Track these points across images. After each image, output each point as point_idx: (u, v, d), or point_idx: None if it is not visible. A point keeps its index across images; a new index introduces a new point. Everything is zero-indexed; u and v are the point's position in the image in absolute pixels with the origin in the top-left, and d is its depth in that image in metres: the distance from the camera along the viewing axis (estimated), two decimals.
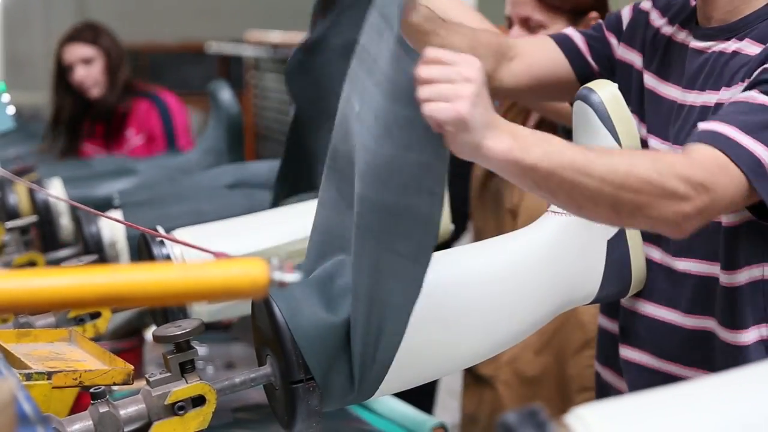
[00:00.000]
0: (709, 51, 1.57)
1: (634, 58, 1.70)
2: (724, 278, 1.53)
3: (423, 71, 1.27)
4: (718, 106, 1.50)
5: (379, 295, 1.35)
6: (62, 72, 3.80)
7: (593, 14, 2.18)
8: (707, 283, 1.55)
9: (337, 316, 1.38)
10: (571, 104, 1.66)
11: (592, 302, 1.58)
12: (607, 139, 1.53)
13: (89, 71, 3.76)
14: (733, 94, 1.48)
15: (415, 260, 1.32)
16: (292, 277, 1.01)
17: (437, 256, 1.46)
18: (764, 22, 1.53)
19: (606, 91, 1.54)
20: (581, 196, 1.31)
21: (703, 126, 1.40)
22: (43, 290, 0.94)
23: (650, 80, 1.67)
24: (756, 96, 1.41)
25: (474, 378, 2.46)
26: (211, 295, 1.03)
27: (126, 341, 2.78)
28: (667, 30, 1.66)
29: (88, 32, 3.85)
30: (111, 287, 0.97)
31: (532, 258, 1.52)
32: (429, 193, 1.30)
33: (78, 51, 3.78)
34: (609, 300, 1.62)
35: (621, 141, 1.53)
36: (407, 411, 2.03)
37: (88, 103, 3.79)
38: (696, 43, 1.60)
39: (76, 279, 0.96)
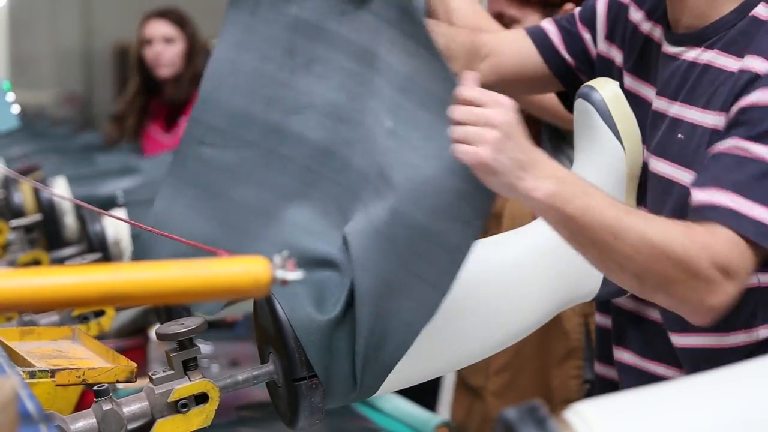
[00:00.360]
0: (681, 58, 1.52)
1: (615, 55, 1.66)
2: None
3: (454, 111, 1.30)
4: (695, 127, 1.46)
5: (387, 305, 1.37)
6: (139, 45, 3.85)
7: (569, 6, 2.14)
8: None
9: (329, 314, 1.38)
10: (567, 101, 1.66)
11: (594, 299, 1.59)
12: (609, 137, 1.54)
13: (167, 50, 3.80)
14: (714, 120, 1.43)
15: (434, 286, 1.34)
16: (294, 275, 1.02)
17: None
18: (732, 30, 1.47)
19: (607, 89, 1.55)
20: (610, 260, 1.32)
21: (701, 198, 1.37)
22: (44, 289, 0.94)
23: (629, 80, 1.63)
24: (741, 145, 1.36)
25: (464, 387, 2.45)
26: (213, 294, 1.03)
27: (131, 339, 2.78)
28: (645, 27, 1.62)
29: (175, 14, 3.89)
30: (113, 286, 0.97)
31: (534, 255, 1.53)
32: (464, 222, 1.33)
33: (161, 28, 3.83)
34: (611, 297, 1.62)
35: (622, 139, 1.53)
36: (412, 409, 2.04)
37: (155, 83, 3.84)
38: (668, 48, 1.55)
39: (77, 278, 0.96)
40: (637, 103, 1.60)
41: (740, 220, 1.34)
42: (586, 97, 1.55)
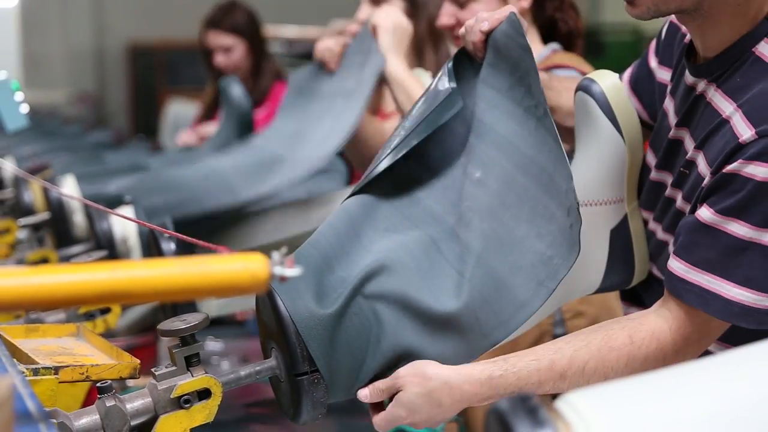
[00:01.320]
0: (696, 91, 1.50)
1: (665, 76, 1.63)
2: None
3: None
4: (691, 163, 1.46)
5: (436, 333, 1.43)
6: (206, 54, 3.88)
7: None
8: None
9: (329, 308, 1.39)
10: None
11: (596, 292, 1.58)
12: (609, 129, 1.53)
13: (229, 58, 3.83)
14: (704, 169, 1.43)
15: (487, 336, 1.42)
16: (292, 271, 1.02)
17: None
18: (732, 67, 1.44)
19: (607, 81, 1.54)
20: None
21: (674, 266, 1.42)
22: (41, 287, 0.94)
23: (669, 104, 1.61)
24: (713, 219, 1.37)
25: None
26: (211, 291, 1.02)
27: (141, 337, 2.80)
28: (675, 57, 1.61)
29: (227, 18, 3.87)
30: (111, 283, 0.97)
31: None
32: (538, 282, 1.41)
33: (217, 39, 3.85)
34: (613, 290, 1.62)
35: (622, 131, 1.53)
36: None
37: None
38: (688, 78, 1.53)
39: (75, 276, 0.96)
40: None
41: (707, 299, 1.38)
42: (587, 90, 1.55)
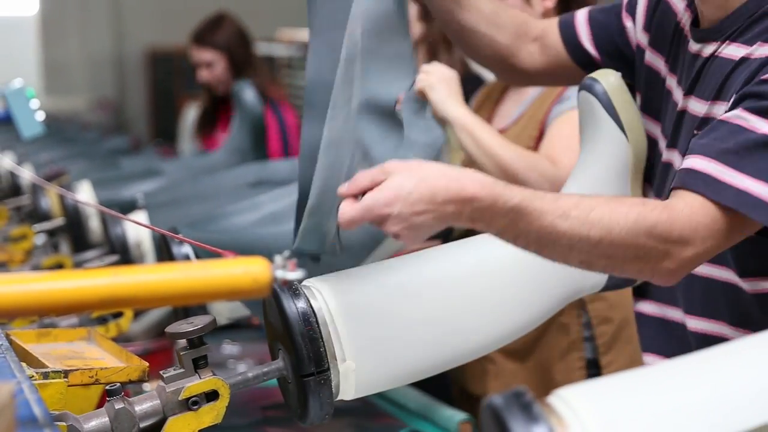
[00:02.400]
0: (702, 56, 1.50)
1: (658, 63, 1.63)
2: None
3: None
4: (706, 119, 1.45)
5: None
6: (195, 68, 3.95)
7: None
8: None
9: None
10: None
11: (601, 291, 1.59)
12: (612, 128, 1.54)
13: (211, 73, 3.90)
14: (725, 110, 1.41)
15: None
16: (294, 274, 1.03)
17: (443, 248, 1.49)
18: (748, 20, 1.44)
19: (609, 80, 1.55)
20: (554, 254, 1.32)
21: (685, 164, 1.37)
22: (43, 294, 0.95)
23: (643, 39, 1.63)
24: (741, 115, 1.34)
25: (462, 394, 2.43)
26: (213, 295, 1.04)
27: (157, 341, 2.82)
28: (683, 20, 1.60)
29: (209, 35, 3.94)
30: (113, 289, 0.98)
31: None
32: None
33: (199, 54, 3.93)
34: (619, 288, 1.62)
35: (626, 130, 1.54)
36: (435, 406, 2.03)
37: (218, 98, 3.96)
38: (692, 46, 1.52)
39: (77, 282, 0.97)
40: (671, 106, 1.58)
41: (718, 188, 1.32)
42: (589, 89, 1.56)
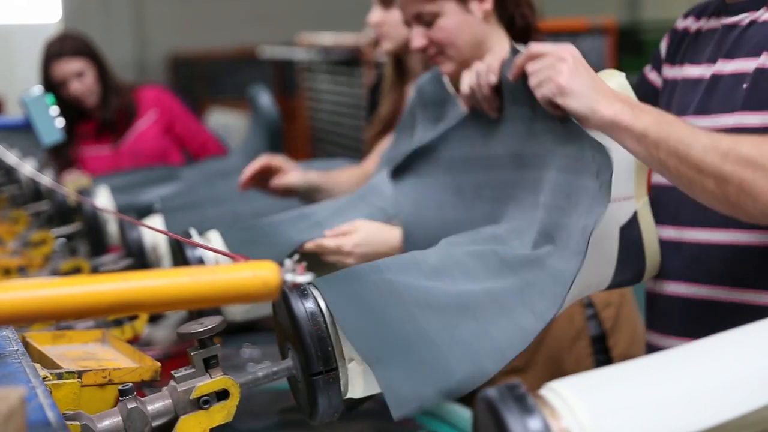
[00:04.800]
0: (740, 24, 1.60)
1: (671, 72, 1.75)
2: None
3: (528, 66, 1.49)
4: (764, 71, 1.53)
5: (487, 317, 1.45)
6: (53, 89, 3.69)
7: None
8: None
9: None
10: None
11: (607, 288, 1.61)
12: None
13: (83, 83, 3.73)
14: None
15: (541, 317, 1.43)
16: (304, 278, 1.04)
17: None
18: None
19: (614, 81, 1.56)
20: (688, 167, 1.37)
21: None
22: (51, 300, 0.95)
23: (670, 72, 1.71)
24: None
25: (473, 392, 2.45)
26: (223, 299, 1.03)
27: (178, 346, 2.85)
28: (695, 25, 1.71)
29: (68, 45, 3.78)
30: (122, 294, 0.98)
31: None
32: (575, 253, 1.44)
33: (66, 67, 3.72)
34: (624, 286, 1.64)
35: None
36: (455, 409, 2.04)
37: (83, 112, 3.79)
38: (726, 20, 1.63)
39: (86, 287, 0.97)
40: (672, 86, 1.71)
41: None
42: None
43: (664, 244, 1.65)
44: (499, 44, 2.11)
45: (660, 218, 1.64)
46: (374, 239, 1.92)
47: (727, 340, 0.98)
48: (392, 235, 1.94)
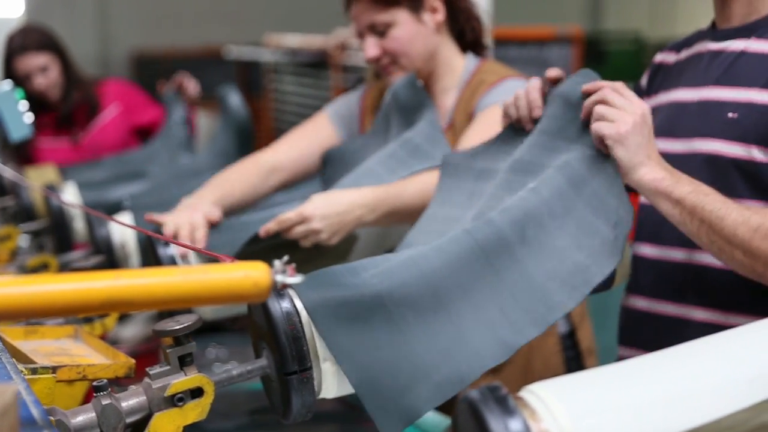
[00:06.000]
0: (729, 50, 1.64)
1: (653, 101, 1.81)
2: None
3: (604, 93, 1.50)
4: (753, 105, 1.57)
5: (464, 325, 1.46)
6: (17, 83, 3.61)
7: None
8: None
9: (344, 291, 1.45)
10: None
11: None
12: None
13: (48, 78, 3.70)
14: None
15: (520, 332, 1.43)
16: (294, 279, 1.05)
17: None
18: None
19: None
20: (719, 237, 1.42)
21: None
22: (44, 296, 0.96)
23: (649, 101, 1.78)
24: None
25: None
26: (214, 299, 1.03)
27: (144, 345, 2.84)
28: (678, 56, 1.78)
29: (33, 39, 3.73)
30: (114, 292, 0.98)
31: None
32: (572, 287, 1.47)
33: (30, 62, 3.69)
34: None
35: None
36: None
37: (46, 105, 3.76)
38: (714, 45, 1.67)
39: (77, 284, 0.98)
40: (654, 111, 1.72)
41: None
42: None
43: (644, 261, 1.69)
44: (450, 56, 2.16)
45: (641, 236, 1.68)
46: (333, 200, 1.92)
47: (706, 345, 1.01)
48: (353, 193, 1.94)
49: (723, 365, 0.98)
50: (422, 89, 2.13)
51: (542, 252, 1.51)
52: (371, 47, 2.19)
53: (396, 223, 2.00)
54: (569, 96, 1.61)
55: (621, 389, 0.95)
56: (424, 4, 2.19)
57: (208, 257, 1.88)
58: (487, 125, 2.08)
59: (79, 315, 1.59)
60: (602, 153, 1.53)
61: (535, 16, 7.57)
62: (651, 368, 0.98)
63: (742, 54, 1.62)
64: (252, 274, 1.00)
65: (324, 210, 1.89)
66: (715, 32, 1.69)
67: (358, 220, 1.90)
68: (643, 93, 1.86)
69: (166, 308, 1.46)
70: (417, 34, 2.17)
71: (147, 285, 0.99)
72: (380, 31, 2.18)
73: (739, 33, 1.64)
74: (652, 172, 1.46)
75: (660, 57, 1.85)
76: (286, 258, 1.06)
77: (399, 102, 2.13)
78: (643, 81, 1.88)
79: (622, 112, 1.48)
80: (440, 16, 2.19)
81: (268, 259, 1.08)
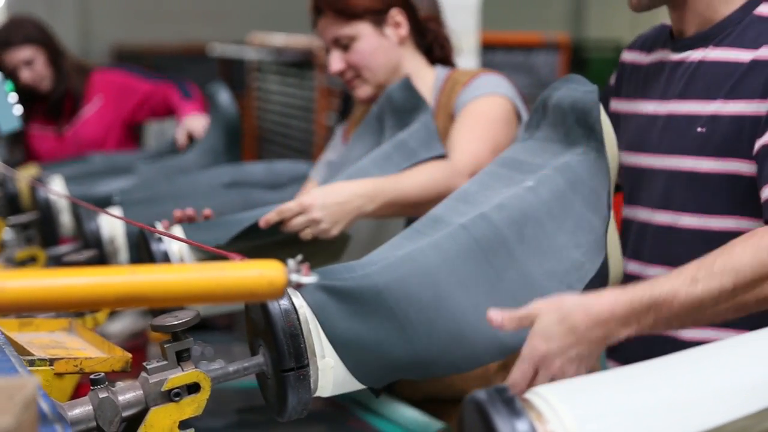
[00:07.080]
0: (688, 60, 1.64)
1: (620, 105, 1.81)
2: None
3: None
4: (717, 118, 1.57)
5: (460, 318, 1.48)
6: (7, 76, 3.62)
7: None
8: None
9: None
10: None
11: None
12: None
13: (34, 70, 3.67)
14: (746, 108, 1.54)
15: (518, 332, 1.40)
16: (308, 278, 1.05)
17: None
18: (738, 26, 1.59)
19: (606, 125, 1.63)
20: (708, 318, 1.33)
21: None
22: (61, 289, 0.96)
23: (619, 105, 1.77)
24: None
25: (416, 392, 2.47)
26: (229, 296, 1.04)
27: (131, 341, 2.84)
28: (645, 59, 1.77)
29: (16, 33, 3.70)
30: (130, 287, 0.99)
31: None
32: (568, 286, 1.49)
33: (15, 56, 3.67)
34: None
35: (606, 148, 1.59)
36: (412, 414, 2.05)
37: (38, 95, 3.74)
38: (674, 56, 1.67)
39: (94, 279, 0.98)
40: (627, 119, 1.75)
41: None
42: None
43: (626, 277, 1.70)
44: (417, 68, 2.19)
45: (623, 253, 1.69)
46: (333, 190, 1.92)
47: (710, 352, 1.02)
48: (353, 184, 1.95)
49: (727, 372, 0.99)
50: (417, 91, 2.14)
51: (541, 251, 1.53)
52: (336, 61, 2.23)
53: (396, 214, 2.00)
54: (562, 103, 1.63)
55: (626, 393, 0.96)
56: (386, 18, 2.23)
57: (205, 256, 1.89)
58: (474, 119, 2.13)
59: (96, 309, 1.60)
60: (600, 154, 1.55)
61: (518, 22, 7.58)
62: (656, 373, 0.99)
63: (701, 64, 1.62)
64: (267, 273, 1.01)
65: (324, 200, 1.89)
66: (674, 42, 1.69)
67: (358, 210, 1.90)
68: (612, 93, 1.86)
69: (180, 305, 1.47)
70: (379, 47, 2.21)
71: (163, 281, 0.99)
72: (344, 44, 2.22)
73: (696, 42, 1.64)
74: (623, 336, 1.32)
75: (628, 57, 1.84)
76: (300, 257, 1.06)
77: (393, 104, 2.14)
78: (612, 80, 1.88)
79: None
80: (403, 30, 2.23)
81: (257, 257, 1.09)
